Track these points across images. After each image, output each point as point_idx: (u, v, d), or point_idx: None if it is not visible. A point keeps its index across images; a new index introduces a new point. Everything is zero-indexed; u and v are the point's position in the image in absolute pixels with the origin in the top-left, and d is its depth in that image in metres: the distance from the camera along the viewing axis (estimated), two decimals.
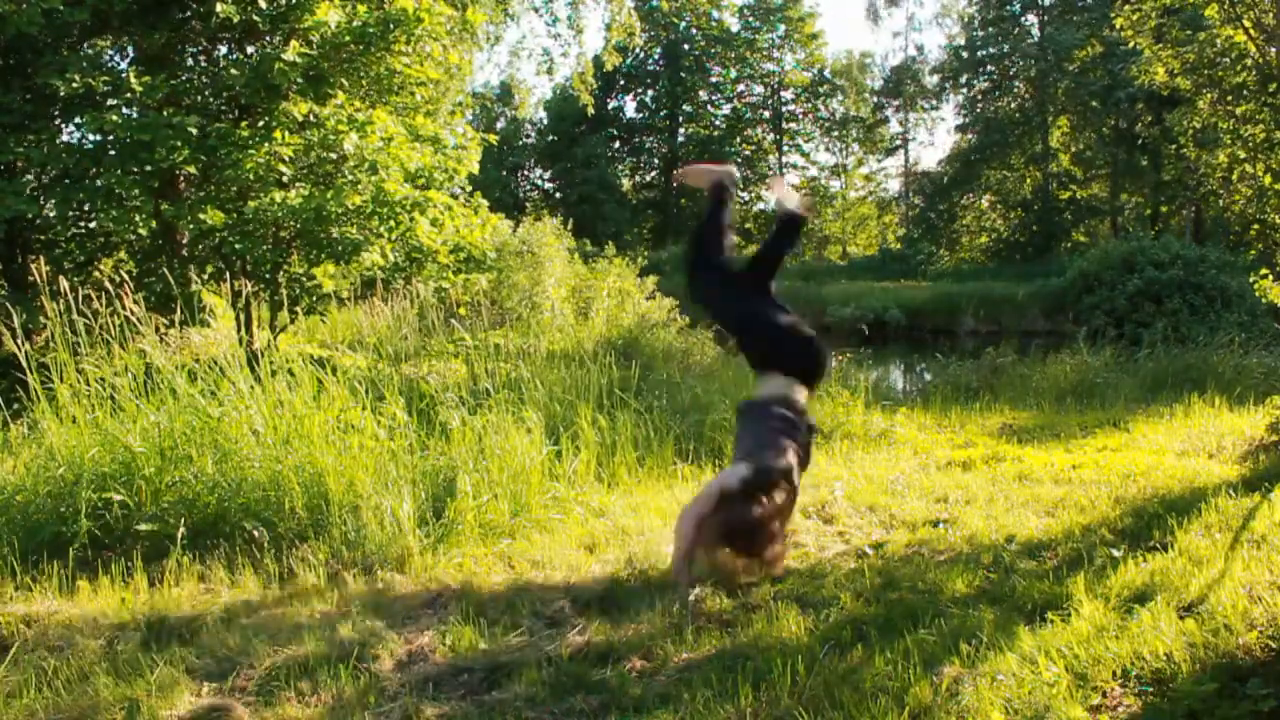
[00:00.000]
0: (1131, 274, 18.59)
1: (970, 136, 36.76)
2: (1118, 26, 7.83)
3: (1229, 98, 7.21)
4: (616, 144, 41.42)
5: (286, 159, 7.80)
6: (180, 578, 3.93)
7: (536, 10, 16.21)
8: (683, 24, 40.36)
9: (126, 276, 6.89)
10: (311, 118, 8.08)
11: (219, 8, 7.60)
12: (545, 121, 39.72)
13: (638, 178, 42.79)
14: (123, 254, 9.08)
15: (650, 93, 41.72)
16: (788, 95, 42.03)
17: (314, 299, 8.85)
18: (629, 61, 37.74)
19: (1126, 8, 7.59)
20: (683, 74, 40.34)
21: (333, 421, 4.79)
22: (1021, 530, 4.53)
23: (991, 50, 35.58)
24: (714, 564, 3.09)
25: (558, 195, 38.18)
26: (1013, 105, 35.80)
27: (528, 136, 40.45)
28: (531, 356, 6.78)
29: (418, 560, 4.12)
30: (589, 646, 3.28)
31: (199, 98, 8.45)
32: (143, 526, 4.22)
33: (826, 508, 5.06)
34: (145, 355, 5.09)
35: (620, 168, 40.93)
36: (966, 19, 38.23)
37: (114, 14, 7.92)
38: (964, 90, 37.50)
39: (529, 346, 7.32)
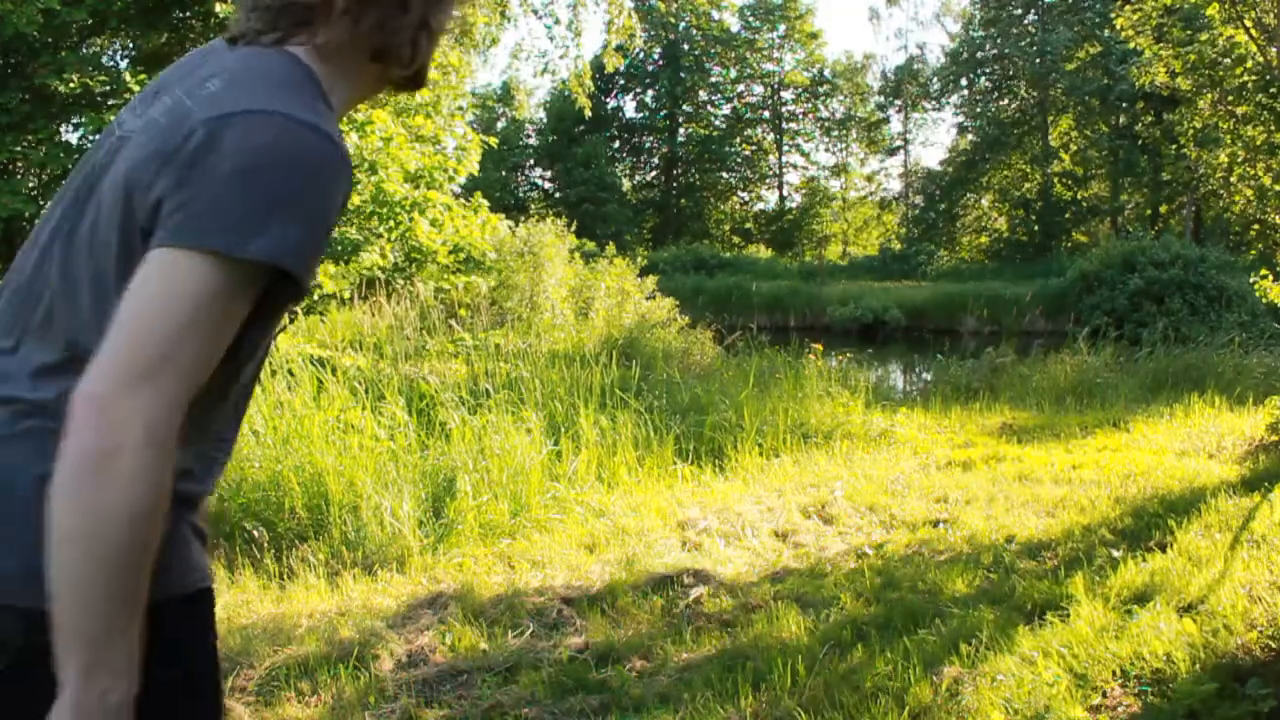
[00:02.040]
0: (1132, 274, 18.61)
1: (971, 136, 36.76)
2: (1119, 26, 7.84)
3: (1229, 98, 7.22)
4: (616, 144, 41.41)
5: None
6: None
7: (536, 13, 16.16)
8: (682, 24, 40.34)
9: None
10: None
11: (218, 8, 7.60)
12: (545, 121, 39.73)
13: (638, 178, 42.79)
14: None
15: (650, 93, 41.71)
16: (788, 95, 42.03)
17: (313, 299, 8.84)
18: (629, 61, 37.73)
19: (1127, 8, 7.59)
20: (683, 74, 40.34)
21: (333, 421, 4.79)
22: (1021, 530, 4.53)
23: (991, 50, 35.58)
24: None
25: (558, 195, 38.17)
26: (1013, 105, 35.80)
27: (528, 136, 40.46)
28: (531, 356, 6.78)
29: (417, 560, 4.11)
30: (589, 647, 3.28)
31: None
32: None
33: (826, 508, 5.06)
34: None
35: (620, 168, 40.92)
36: (967, 18, 38.26)
37: (113, 14, 7.91)
38: (964, 90, 37.51)
39: (529, 346, 7.32)
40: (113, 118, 6.35)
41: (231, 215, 0.95)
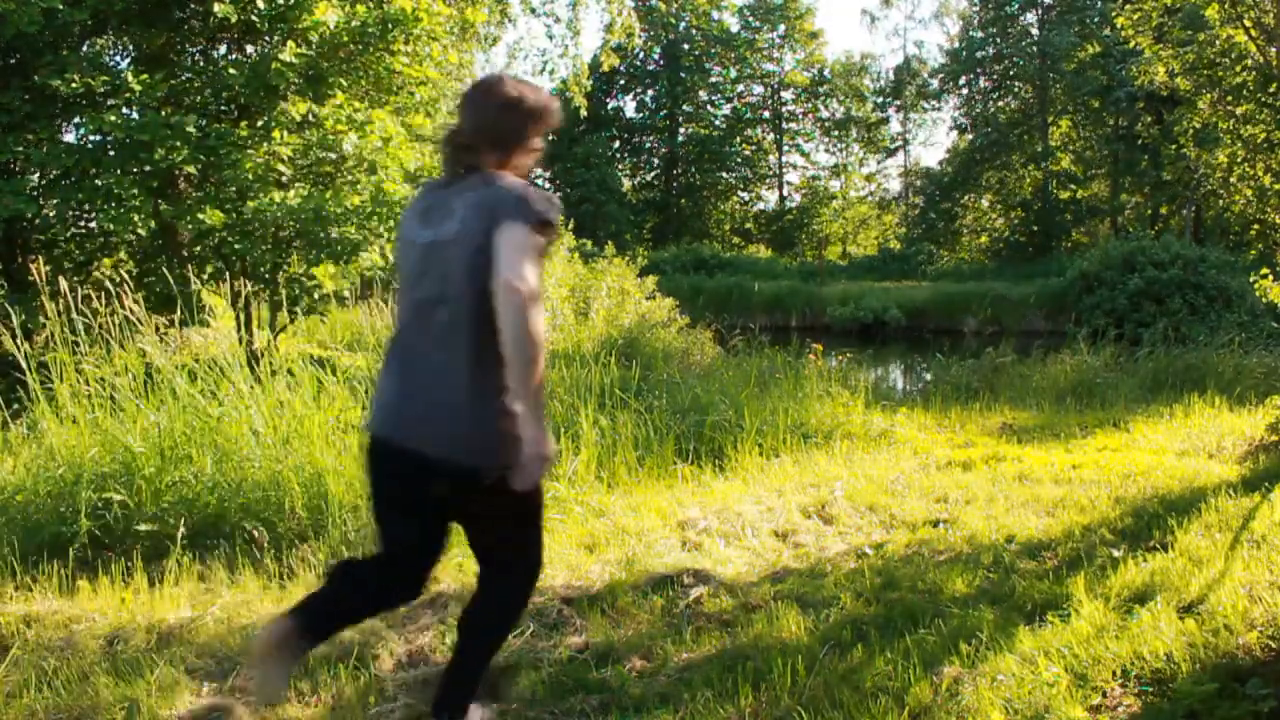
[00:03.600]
0: (1132, 274, 18.62)
1: (970, 136, 36.73)
2: (1119, 26, 7.84)
3: (1229, 98, 7.22)
4: (616, 144, 41.35)
5: (285, 159, 7.79)
6: (180, 578, 3.92)
7: (534, 13, 16.15)
8: (682, 24, 40.31)
9: (126, 276, 6.88)
10: (310, 118, 8.07)
11: (217, 8, 7.60)
12: None
13: (638, 178, 42.74)
14: (123, 254, 9.07)
15: (650, 93, 41.65)
16: (788, 95, 41.99)
17: (314, 299, 8.85)
18: (628, 61, 37.70)
19: (1128, 7, 7.60)
20: (682, 74, 40.29)
21: (333, 421, 4.79)
22: (1021, 530, 4.53)
23: (991, 50, 35.56)
24: None
25: (558, 195, 38.12)
26: (1013, 105, 35.77)
27: None
28: None
29: None
30: (589, 647, 3.28)
31: (198, 98, 8.45)
32: (143, 526, 4.21)
33: (826, 508, 5.06)
34: (145, 355, 5.08)
35: (620, 168, 40.85)
36: (965, 18, 38.23)
37: (114, 14, 7.91)
38: (964, 90, 37.47)
39: None
40: (113, 117, 6.21)
41: (537, 210, 2.33)
